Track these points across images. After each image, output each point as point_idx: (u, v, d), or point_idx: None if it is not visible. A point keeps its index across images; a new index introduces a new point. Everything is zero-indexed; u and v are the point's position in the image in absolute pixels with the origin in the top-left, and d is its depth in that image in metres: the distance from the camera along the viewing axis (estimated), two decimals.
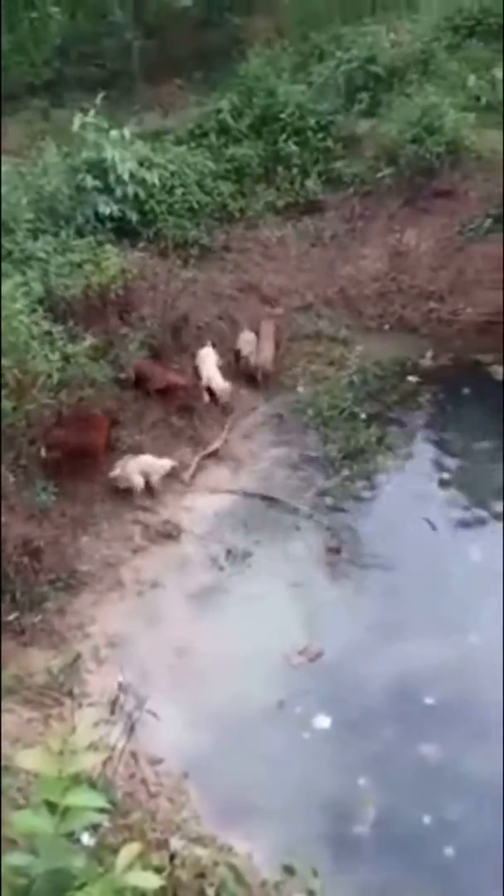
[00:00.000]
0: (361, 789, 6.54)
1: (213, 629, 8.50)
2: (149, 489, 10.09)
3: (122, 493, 9.98)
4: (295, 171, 14.40)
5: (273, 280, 13.20)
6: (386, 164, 14.18)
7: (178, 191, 13.46)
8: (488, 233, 13.49)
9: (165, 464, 10.22)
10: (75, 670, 7.56)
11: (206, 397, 11.36)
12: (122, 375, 10.77)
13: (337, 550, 9.62)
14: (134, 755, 6.65)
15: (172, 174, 13.50)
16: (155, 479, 10.13)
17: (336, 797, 6.49)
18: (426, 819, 6.30)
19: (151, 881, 2.81)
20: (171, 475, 10.41)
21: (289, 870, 4.47)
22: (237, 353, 11.98)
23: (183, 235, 13.11)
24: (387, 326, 13.21)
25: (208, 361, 11.38)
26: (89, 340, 10.41)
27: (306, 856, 5.12)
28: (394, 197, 14.20)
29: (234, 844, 5.69)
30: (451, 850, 6.05)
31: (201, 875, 4.01)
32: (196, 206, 13.51)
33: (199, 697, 7.37)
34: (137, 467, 9.98)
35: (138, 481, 9.90)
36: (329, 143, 14.59)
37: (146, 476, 10.06)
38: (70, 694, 7.23)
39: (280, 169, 14.43)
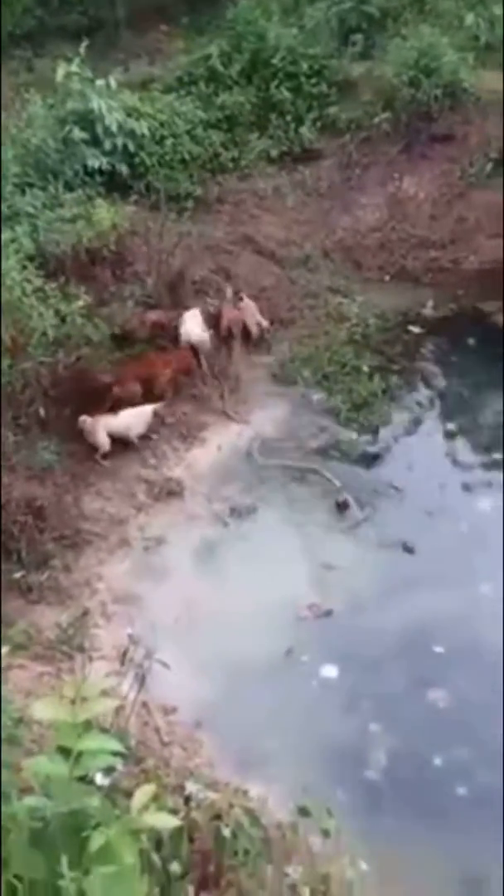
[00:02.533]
0: (372, 735, 6.57)
1: (220, 584, 8.48)
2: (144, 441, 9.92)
3: (124, 450, 9.89)
4: (288, 118, 13.97)
5: (269, 232, 12.90)
6: (382, 108, 13.74)
7: (169, 141, 13.09)
8: (489, 178, 13.15)
9: (145, 412, 9.98)
10: (84, 625, 7.56)
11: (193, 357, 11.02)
12: (118, 332, 10.58)
13: (345, 505, 9.53)
14: (146, 705, 6.67)
15: (162, 124, 13.12)
16: (137, 431, 9.92)
17: (348, 743, 6.52)
18: (437, 761, 6.35)
19: (168, 821, 2.81)
20: (178, 433, 10.30)
21: (304, 811, 4.48)
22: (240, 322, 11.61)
23: (175, 188, 12.79)
24: (387, 277, 12.94)
25: (189, 322, 11.04)
26: (83, 298, 10.19)
27: (320, 799, 5.12)
28: (391, 143, 13.79)
29: (249, 789, 5.73)
30: (463, 790, 6.10)
31: (217, 817, 4.01)
32: (187, 157, 13.16)
33: (209, 649, 7.38)
34: (104, 425, 9.68)
35: (103, 440, 9.67)
36: (323, 88, 14.13)
37: (126, 430, 9.84)
38: (80, 648, 7.23)
39: (273, 116, 13.99)
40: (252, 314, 11.52)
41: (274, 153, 13.82)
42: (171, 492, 9.72)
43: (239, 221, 12.90)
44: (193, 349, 10.96)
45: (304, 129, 13.92)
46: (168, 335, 10.99)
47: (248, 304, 11.54)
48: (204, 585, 8.46)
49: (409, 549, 8.80)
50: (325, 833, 4.32)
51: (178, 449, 10.33)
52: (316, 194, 13.56)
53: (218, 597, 8.16)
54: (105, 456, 9.70)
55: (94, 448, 9.71)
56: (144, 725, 6.72)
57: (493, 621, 7.54)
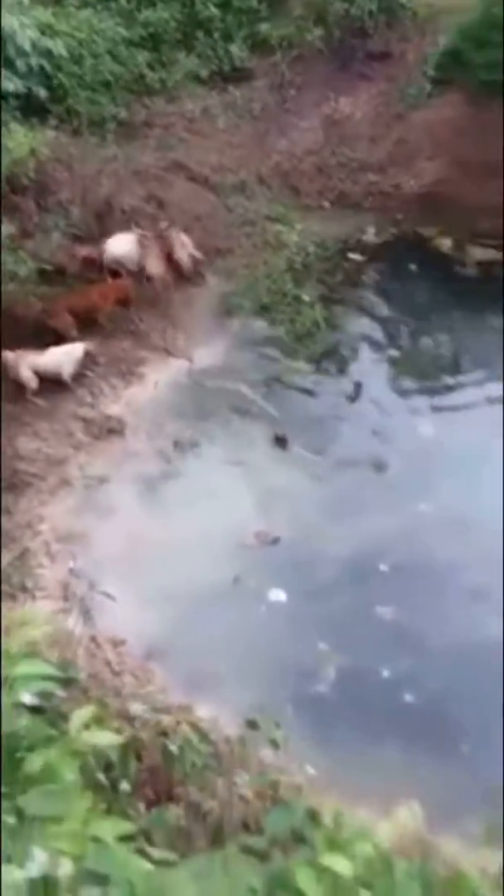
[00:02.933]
0: (321, 652, 6.64)
1: (166, 518, 8.35)
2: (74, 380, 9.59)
3: (59, 389, 9.53)
4: (217, 35, 13.24)
5: (202, 157, 12.34)
6: (315, 24, 13.15)
7: (88, 62, 12.27)
8: (428, 97, 12.81)
9: (76, 350, 9.61)
10: (25, 565, 7.35)
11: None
12: (48, 267, 10.06)
13: (283, 440, 9.38)
14: (94, 639, 6.58)
15: (80, 43, 12.26)
16: (68, 369, 9.56)
17: (298, 661, 6.58)
18: (385, 673, 6.47)
19: (107, 738, 2.77)
20: (115, 370, 9.97)
21: (252, 724, 4.47)
22: (169, 255, 11.16)
23: (97, 111, 12.06)
24: (326, 203, 12.61)
25: (114, 245, 10.53)
26: (5, 229, 9.60)
27: (272, 714, 5.14)
28: (326, 61, 13.27)
29: (201, 710, 5.73)
30: (410, 696, 6.25)
31: (164, 735, 3.96)
32: (110, 78, 12.38)
33: (156, 581, 7.30)
34: (29, 363, 9.31)
35: (27, 376, 9.29)
36: (252, 2, 13.39)
37: (56, 368, 9.47)
38: (23, 588, 7.05)
39: (200, 34, 13.24)
40: (184, 246, 11.08)
41: (203, 73, 13.14)
42: (110, 430, 9.46)
43: (168, 146, 12.30)
44: (122, 272, 10.50)
45: (233, 48, 13.24)
46: (98, 269, 10.52)
47: (180, 237, 11.08)
48: (149, 520, 8.32)
49: (350, 474, 8.78)
50: (274, 744, 4.33)
51: (116, 386, 10.02)
52: (249, 116, 13.00)
53: (164, 530, 8.04)
54: (36, 393, 9.31)
55: (21, 386, 9.30)
56: (94, 658, 6.63)
57: (434, 538, 7.65)
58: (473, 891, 2.34)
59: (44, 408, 9.35)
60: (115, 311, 10.34)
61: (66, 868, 1.90)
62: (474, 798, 5.07)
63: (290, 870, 2.30)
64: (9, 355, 9.17)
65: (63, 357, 9.55)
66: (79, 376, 9.83)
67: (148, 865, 2.25)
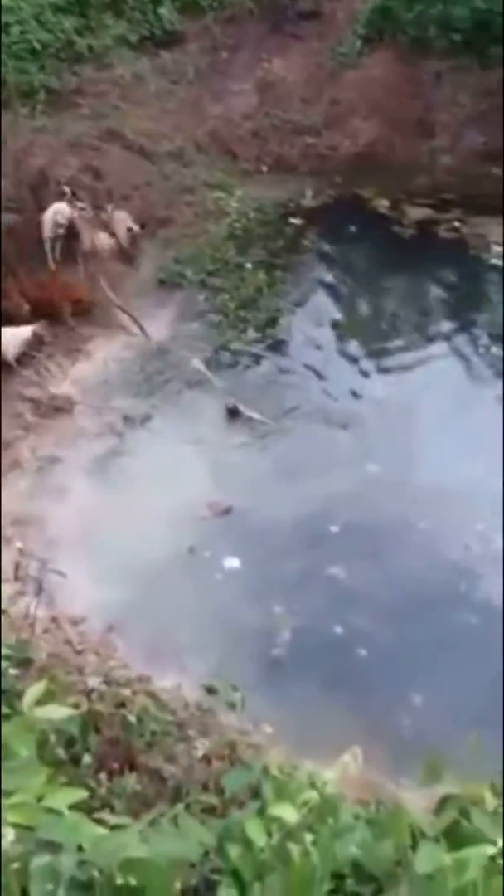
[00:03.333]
0: (277, 615, 6.82)
1: (119, 494, 8.36)
2: (20, 362, 9.46)
3: (3, 370, 9.39)
4: None
5: (136, 125, 12.10)
6: None
7: (14, 29, 11.91)
8: (359, 56, 12.75)
9: (22, 332, 9.48)
10: None
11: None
12: None
13: (234, 411, 9.40)
14: (55, 619, 6.62)
15: (4, 10, 11.82)
16: (13, 350, 9.43)
17: (254, 625, 6.75)
18: (338, 630, 6.69)
19: (60, 713, 2.79)
20: (62, 349, 9.84)
21: (210, 689, 4.62)
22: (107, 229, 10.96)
23: (27, 81, 11.69)
24: (264, 168, 12.53)
25: (49, 217, 10.32)
26: None
27: (231, 678, 5.28)
28: (257, 23, 13.10)
29: (164, 681, 5.86)
30: (364, 651, 6.48)
31: (121, 706, 4.07)
32: (37, 45, 12.02)
33: (113, 557, 7.34)
34: None
35: None
36: None
37: (2, 349, 9.32)
38: None
39: None
40: (121, 222, 10.88)
41: (133, 38, 12.85)
42: (59, 409, 9.37)
43: (102, 115, 12.02)
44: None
45: (163, 11, 12.98)
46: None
47: (117, 215, 10.86)
48: (103, 497, 8.32)
49: (300, 441, 8.86)
50: (231, 706, 4.48)
51: (62, 365, 9.90)
52: (183, 81, 12.78)
53: (118, 507, 8.06)
54: None
55: None
56: (56, 638, 6.68)
57: (382, 497, 7.85)
58: (409, 823, 2.50)
59: None
60: (75, 312, 10.09)
61: (9, 838, 1.96)
62: (425, 743, 5.33)
63: (240, 822, 2.42)
64: None
65: (9, 338, 9.37)
66: (23, 356, 9.68)
67: (102, 831, 2.33)
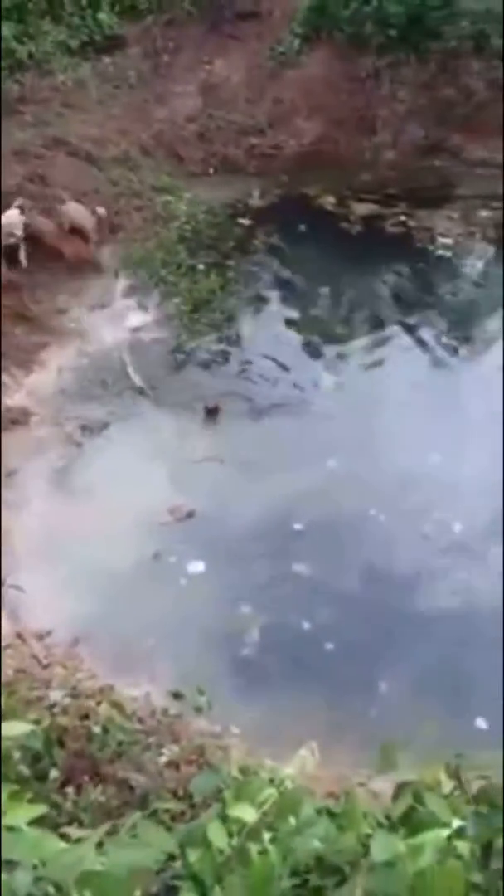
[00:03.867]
0: (244, 615, 6.86)
1: (81, 503, 8.32)
2: None
3: None
4: (84, 3, 12.83)
5: (81, 131, 12.02)
6: None
7: None
8: (298, 54, 12.84)
9: None
10: None
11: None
12: None
13: (214, 411, 9.34)
14: (20, 635, 6.57)
15: None
16: None
17: (222, 627, 6.78)
18: (305, 626, 6.76)
19: (19, 728, 2.76)
20: (13, 359, 9.72)
21: (176, 695, 4.64)
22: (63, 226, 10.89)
23: None
24: (211, 170, 12.56)
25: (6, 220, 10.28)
26: None
27: (201, 683, 5.31)
28: (196, 24, 13.10)
29: (133, 690, 5.85)
30: (330, 645, 6.56)
31: (85, 717, 4.06)
32: None
33: (76, 567, 7.31)
34: None
35: None
36: None
37: None
38: None
39: (66, 3, 12.79)
40: (77, 211, 10.78)
41: (73, 44, 12.77)
42: (15, 421, 9.26)
43: (45, 122, 11.90)
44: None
45: (102, 15, 12.92)
46: None
47: (71, 206, 10.80)
48: (64, 508, 8.27)
49: (260, 439, 8.91)
50: (198, 710, 4.50)
51: (16, 376, 9.79)
52: (125, 86, 12.74)
53: (80, 517, 8.02)
54: None
55: None
56: (20, 654, 6.62)
57: (343, 493, 7.94)
58: (366, 812, 2.56)
59: None
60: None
61: None
62: (392, 732, 5.42)
63: (202, 826, 2.44)
64: None
65: None
66: None
67: (63, 845, 2.33)
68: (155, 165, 12.28)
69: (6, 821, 2.35)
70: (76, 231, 10.88)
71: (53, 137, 11.85)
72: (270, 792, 2.55)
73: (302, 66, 12.76)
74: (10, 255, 10.30)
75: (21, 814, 2.38)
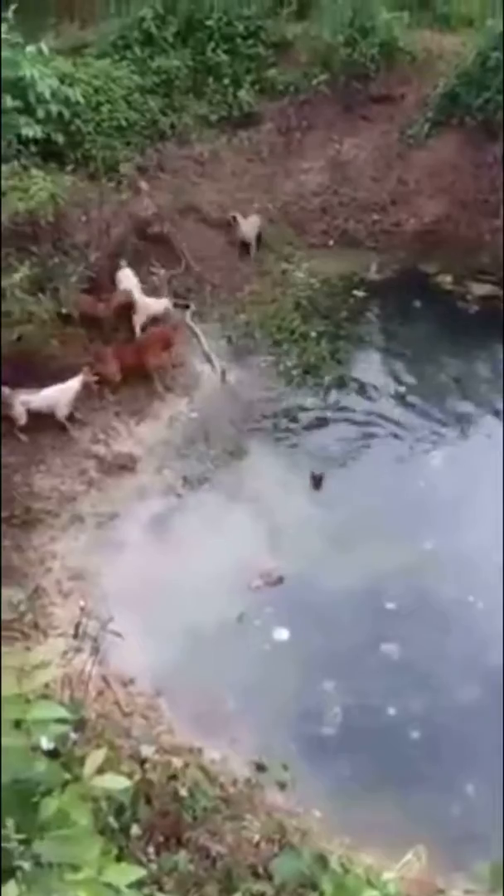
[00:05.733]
0: (327, 692, 6.74)
1: (174, 554, 8.51)
2: (71, 418, 9.75)
3: (74, 427, 9.79)
4: (226, 81, 13.74)
5: (212, 199, 12.73)
6: (320, 70, 13.63)
7: (105, 108, 12.77)
8: (427, 137, 13.20)
9: (70, 386, 9.66)
10: (38, 603, 7.51)
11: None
12: (64, 310, 10.34)
13: (319, 479, 9.35)
14: (105, 678, 6.71)
15: (97, 90, 12.77)
16: (64, 408, 9.62)
17: (303, 701, 6.67)
18: (391, 711, 6.55)
19: (118, 783, 2.82)
20: (127, 408, 10.22)
21: (260, 767, 4.59)
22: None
23: (113, 156, 12.50)
24: (331, 241, 12.94)
25: (125, 279, 10.90)
26: (22, 271, 9.91)
27: (279, 756, 5.25)
28: (330, 105, 13.71)
29: (209, 751, 5.83)
30: (416, 734, 6.32)
31: (173, 777, 4.09)
32: (124, 123, 12.86)
33: (163, 617, 7.43)
34: (23, 400, 9.38)
35: (19, 412, 9.36)
36: (260, 49, 13.90)
37: (51, 406, 9.55)
38: (35, 626, 7.20)
39: (210, 80, 13.75)
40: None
41: (213, 118, 13.61)
42: (122, 466, 9.66)
43: (181, 189, 12.69)
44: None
45: (242, 93, 13.71)
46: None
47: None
48: (158, 556, 8.48)
49: (360, 510, 8.90)
50: (282, 786, 4.44)
51: (127, 423, 10.24)
52: (257, 159, 13.43)
53: (172, 567, 8.20)
54: (23, 430, 9.43)
55: (38, 424, 9.48)
56: (105, 698, 6.75)
57: (441, 574, 7.76)
58: None
59: (57, 444, 9.56)
60: (163, 360, 10.58)
61: None
62: (479, 840, 5.13)
63: None
64: (7, 392, 9.35)
65: (58, 395, 9.64)
66: (90, 412, 10.05)
67: None
68: (278, 234, 12.79)
69: (105, 878, 2.39)
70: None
71: (186, 203, 12.60)
72: (372, 894, 2.49)
73: (429, 149, 13.08)
74: (124, 313, 10.89)
75: (120, 875, 2.43)
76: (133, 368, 10.38)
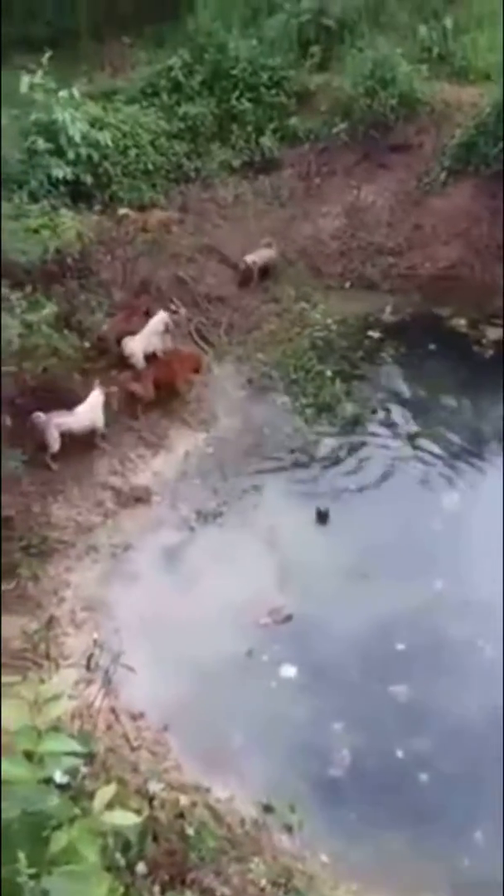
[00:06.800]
0: (335, 732, 6.73)
1: (186, 588, 8.58)
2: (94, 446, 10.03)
3: (91, 458, 9.97)
4: (249, 128, 14.24)
5: (233, 240, 13.08)
6: (340, 118, 14.09)
7: (132, 151, 13.25)
8: (444, 186, 13.52)
9: (97, 400, 9.87)
10: (51, 633, 7.60)
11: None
12: (87, 344, 10.63)
13: (325, 515, 9.49)
14: (114, 711, 6.75)
15: (125, 135, 13.28)
16: (100, 422, 9.92)
17: (310, 741, 6.66)
18: (399, 753, 6.53)
19: (128, 819, 2.85)
20: (144, 441, 10.41)
21: (268, 808, 4.62)
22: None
23: (138, 197, 12.92)
24: (347, 284, 13.23)
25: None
26: (49, 308, 10.23)
27: (286, 797, 5.27)
28: (350, 152, 14.13)
29: (216, 789, 5.84)
30: (425, 777, 6.29)
31: (180, 816, 4.12)
32: (150, 167, 13.34)
33: (172, 651, 7.48)
34: (57, 424, 9.55)
35: (53, 438, 9.52)
36: (282, 98, 14.42)
37: (91, 422, 9.82)
38: (48, 656, 7.28)
39: (234, 127, 14.25)
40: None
41: (235, 163, 14.07)
42: (138, 498, 9.80)
43: (202, 231, 13.06)
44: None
45: (264, 140, 14.18)
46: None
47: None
48: (170, 589, 8.56)
49: (371, 548, 8.95)
50: (289, 829, 4.46)
51: (144, 456, 10.42)
52: (277, 203, 13.82)
53: (182, 601, 8.27)
54: (54, 458, 9.64)
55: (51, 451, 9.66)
56: (113, 732, 6.79)
57: (451, 617, 7.77)
58: None
59: (75, 474, 9.73)
60: (191, 378, 11.05)
61: None
62: (490, 885, 5.08)
63: None
64: (41, 417, 9.54)
65: (90, 411, 9.88)
66: (109, 444, 10.25)
67: None
68: (296, 276, 13.09)
69: None
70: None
71: (207, 245, 12.97)
72: None
73: (445, 196, 13.39)
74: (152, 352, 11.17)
75: None
76: (165, 386, 10.75)
